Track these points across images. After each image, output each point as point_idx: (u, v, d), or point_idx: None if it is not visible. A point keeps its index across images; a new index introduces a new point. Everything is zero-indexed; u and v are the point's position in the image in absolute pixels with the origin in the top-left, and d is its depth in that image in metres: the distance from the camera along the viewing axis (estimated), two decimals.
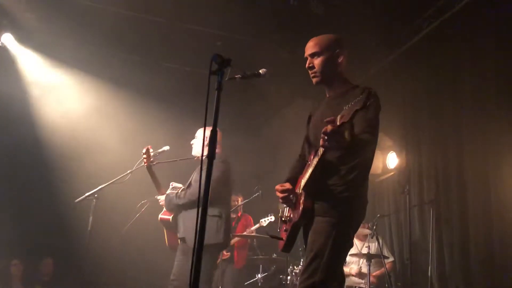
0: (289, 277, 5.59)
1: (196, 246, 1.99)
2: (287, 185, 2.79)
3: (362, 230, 5.57)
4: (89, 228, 4.57)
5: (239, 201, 6.51)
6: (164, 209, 4.58)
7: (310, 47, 2.85)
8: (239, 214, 6.62)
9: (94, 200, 4.60)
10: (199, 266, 1.97)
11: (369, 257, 5.32)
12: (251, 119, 7.53)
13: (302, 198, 2.63)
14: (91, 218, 4.57)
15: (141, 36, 6.45)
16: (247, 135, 6.90)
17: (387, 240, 6.31)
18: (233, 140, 5.24)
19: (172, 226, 4.49)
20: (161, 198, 4.54)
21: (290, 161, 3.08)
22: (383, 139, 6.26)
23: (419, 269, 5.59)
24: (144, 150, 4.58)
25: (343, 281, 2.64)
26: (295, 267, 5.65)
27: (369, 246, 5.64)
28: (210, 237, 4.06)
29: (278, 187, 2.81)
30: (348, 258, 5.71)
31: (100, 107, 6.97)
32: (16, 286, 6.81)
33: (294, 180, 2.82)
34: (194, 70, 6.89)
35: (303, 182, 2.66)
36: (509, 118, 4.73)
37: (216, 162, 2.27)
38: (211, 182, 2.08)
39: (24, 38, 6.53)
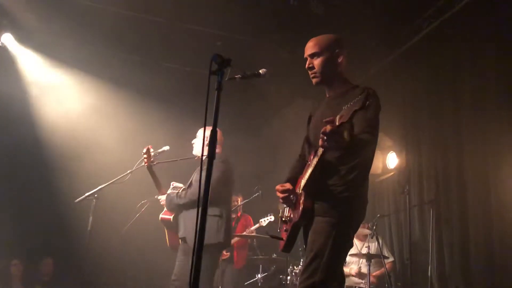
0: (289, 277, 5.59)
1: (196, 246, 1.99)
2: (288, 185, 2.79)
3: (362, 230, 5.57)
4: (89, 228, 4.57)
5: (239, 201, 6.50)
6: (165, 209, 4.58)
7: (310, 47, 2.85)
8: (238, 214, 6.61)
9: (94, 200, 4.60)
10: (199, 265, 1.98)
11: (369, 257, 5.32)
12: (251, 119, 7.53)
13: (302, 198, 2.63)
14: (91, 218, 4.57)
15: (141, 36, 6.45)
16: (247, 135, 6.90)
17: (387, 240, 6.31)
18: (233, 140, 5.24)
19: (173, 226, 4.49)
20: (162, 198, 4.54)
21: (290, 161, 3.08)
22: (383, 139, 6.26)
23: (419, 269, 5.59)
24: (144, 150, 4.58)
25: (343, 281, 2.64)
26: (295, 267, 5.65)
27: (369, 246, 5.64)
28: (211, 237, 4.06)
29: (278, 187, 2.81)
30: (348, 258, 5.72)
31: (100, 107, 6.98)
32: (16, 286, 6.80)
33: (294, 180, 2.82)
34: (194, 70, 6.89)
35: (303, 182, 2.66)
36: (509, 118, 4.74)
37: (216, 162, 2.27)
38: (211, 182, 2.08)
39: (24, 38, 6.53)
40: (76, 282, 5.60)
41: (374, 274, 5.66)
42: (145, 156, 4.56)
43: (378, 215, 5.70)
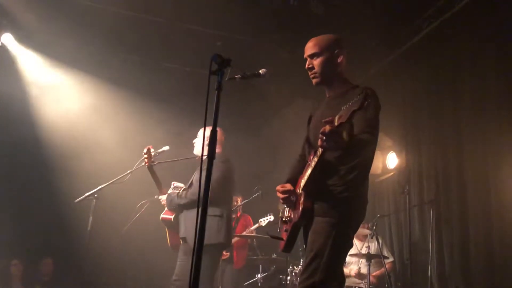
0: (289, 277, 5.59)
1: (196, 246, 1.99)
2: (288, 186, 2.79)
3: (362, 230, 5.56)
4: (89, 228, 4.57)
5: (239, 201, 6.50)
6: (166, 208, 4.58)
7: (309, 48, 2.84)
8: (238, 214, 6.61)
9: (94, 200, 4.60)
10: (199, 265, 1.98)
11: (368, 257, 5.32)
12: (251, 119, 7.53)
13: (302, 198, 2.63)
14: (91, 218, 4.57)
15: (141, 36, 6.45)
16: (247, 135, 6.90)
17: (387, 240, 6.31)
18: (233, 140, 5.24)
19: (173, 226, 4.49)
20: (163, 198, 4.54)
21: (290, 161, 3.08)
22: (383, 139, 6.26)
23: (419, 269, 5.59)
24: (145, 150, 4.58)
25: (343, 281, 2.64)
26: (295, 267, 5.65)
27: (369, 246, 5.64)
28: (211, 237, 4.06)
29: (279, 187, 2.81)
30: (348, 258, 5.72)
31: (100, 107, 6.98)
32: (16, 286, 6.80)
33: (294, 180, 2.81)
34: (194, 70, 6.89)
35: (302, 182, 2.66)
36: (509, 118, 4.74)
37: (216, 162, 2.27)
38: (211, 182, 2.08)
39: (24, 38, 6.53)
40: (76, 282, 5.61)
41: (374, 274, 5.65)
42: (145, 156, 4.56)
43: (378, 215, 5.70)
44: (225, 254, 6.16)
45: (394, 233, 6.35)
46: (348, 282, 5.44)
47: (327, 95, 2.91)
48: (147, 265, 6.90)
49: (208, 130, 2.19)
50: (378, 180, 6.65)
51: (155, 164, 4.61)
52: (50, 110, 6.86)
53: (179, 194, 4.39)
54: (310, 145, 2.88)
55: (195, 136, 4.65)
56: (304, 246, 2.73)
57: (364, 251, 5.65)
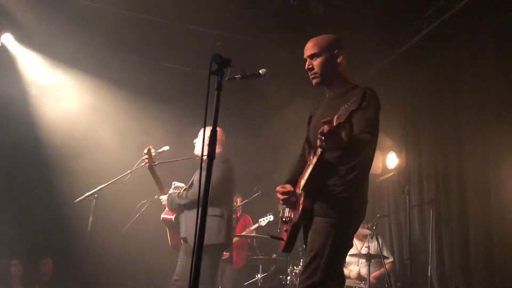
0: (289, 277, 5.59)
1: (196, 246, 1.99)
2: (288, 187, 2.78)
3: (362, 230, 5.56)
4: (89, 228, 4.57)
5: (238, 201, 6.50)
6: (167, 208, 4.58)
7: (309, 48, 2.84)
8: (238, 215, 6.62)
9: (94, 200, 4.60)
10: (199, 265, 1.97)
11: (368, 257, 5.32)
12: (251, 119, 7.53)
13: (302, 198, 2.63)
14: (91, 218, 4.57)
15: (141, 36, 6.45)
16: (247, 135, 6.90)
17: (387, 240, 6.31)
18: (233, 140, 5.24)
19: (174, 226, 4.49)
20: (164, 198, 4.54)
21: (290, 161, 3.08)
22: (383, 139, 6.26)
23: (419, 269, 5.59)
24: (145, 151, 4.58)
25: (343, 281, 2.64)
26: (295, 267, 5.65)
27: (368, 246, 5.64)
28: (212, 237, 4.06)
29: (279, 188, 2.81)
30: (347, 258, 5.72)
31: (100, 107, 6.98)
32: (16, 286, 6.80)
33: (294, 181, 2.81)
34: (194, 70, 6.89)
35: (302, 182, 2.66)
36: (509, 118, 4.74)
37: (216, 162, 2.27)
38: (212, 182, 2.08)
39: (24, 38, 6.53)
40: (76, 282, 5.60)
41: (373, 274, 5.65)
42: (146, 156, 4.56)
43: (378, 215, 5.70)
44: (225, 254, 6.16)
45: (394, 233, 6.35)
46: (348, 282, 5.44)
47: (327, 95, 2.90)
48: (147, 265, 6.90)
49: (208, 130, 2.19)
50: (378, 180, 6.65)
51: (155, 165, 4.60)
52: (50, 110, 6.86)
53: (180, 194, 4.39)
54: (310, 145, 2.88)
55: (196, 136, 4.65)
56: (304, 246, 2.73)
57: (364, 251, 5.65)
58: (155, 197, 4.73)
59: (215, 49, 2.72)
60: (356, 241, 5.85)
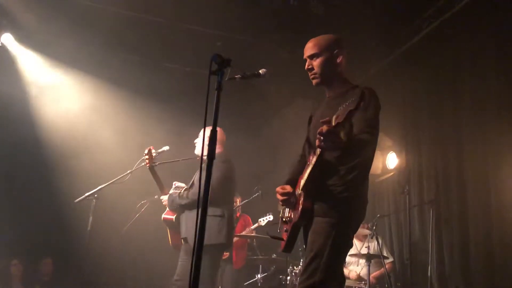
0: (288, 277, 5.58)
1: (196, 246, 1.99)
2: (288, 188, 2.78)
3: (362, 230, 5.56)
4: (89, 228, 4.57)
5: (238, 201, 6.50)
6: (167, 208, 4.58)
7: (309, 48, 2.84)
8: (237, 215, 6.62)
9: (94, 200, 4.60)
10: (199, 265, 1.97)
11: (368, 257, 5.32)
12: (251, 119, 7.53)
13: (302, 198, 2.62)
14: (91, 218, 4.57)
15: (141, 36, 6.44)
16: (247, 135, 6.90)
17: (387, 240, 6.31)
18: (233, 140, 5.24)
19: (175, 226, 4.49)
20: (164, 198, 4.54)
21: (290, 161, 3.08)
22: (383, 139, 6.26)
23: (419, 269, 5.59)
24: (146, 151, 4.58)
25: (343, 281, 2.63)
26: (294, 267, 5.65)
27: (368, 246, 5.64)
28: (212, 237, 4.06)
29: (279, 189, 2.81)
30: (347, 259, 5.72)
31: (100, 107, 6.98)
32: (16, 286, 6.80)
33: (294, 181, 2.81)
34: (194, 70, 6.89)
35: (302, 182, 2.65)
36: (509, 118, 4.74)
37: (216, 163, 2.27)
38: (212, 182, 2.08)
39: (24, 38, 6.53)
40: (76, 282, 5.60)
41: (373, 274, 5.65)
42: (146, 157, 4.56)
43: (378, 215, 5.69)
44: (225, 254, 6.15)
45: (394, 233, 6.35)
46: (347, 282, 5.44)
47: (327, 95, 2.90)
48: (147, 265, 6.90)
49: (209, 130, 2.19)
50: (378, 180, 6.65)
51: (156, 165, 4.60)
52: (50, 110, 6.86)
53: (181, 194, 4.39)
54: (310, 145, 2.88)
55: (196, 136, 4.65)
56: (304, 246, 2.73)
57: (364, 251, 5.65)
58: (155, 197, 4.73)
59: (215, 49, 2.72)
60: (356, 241, 5.85)
